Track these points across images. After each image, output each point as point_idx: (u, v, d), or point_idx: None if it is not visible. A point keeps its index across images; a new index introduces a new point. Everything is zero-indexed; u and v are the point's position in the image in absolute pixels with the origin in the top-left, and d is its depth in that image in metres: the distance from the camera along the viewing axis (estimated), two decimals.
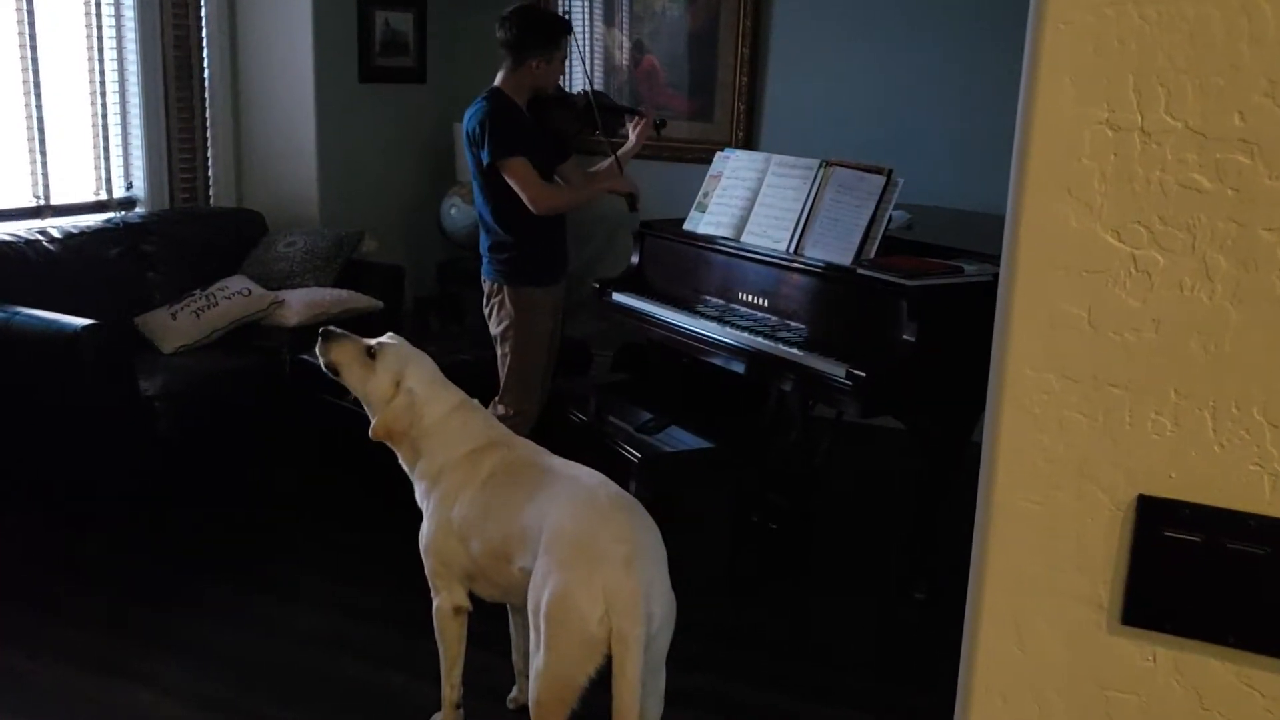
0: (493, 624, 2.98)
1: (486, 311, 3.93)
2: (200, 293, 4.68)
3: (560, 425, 4.01)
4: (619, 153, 4.02)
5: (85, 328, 3.84)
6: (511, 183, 3.72)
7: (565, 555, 2.39)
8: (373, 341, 2.84)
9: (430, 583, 2.81)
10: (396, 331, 5.06)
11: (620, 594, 2.32)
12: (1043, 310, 1.00)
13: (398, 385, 2.75)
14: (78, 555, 3.89)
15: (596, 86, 4.23)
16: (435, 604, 2.81)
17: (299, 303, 4.75)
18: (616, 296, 4.36)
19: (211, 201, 5.46)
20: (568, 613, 2.33)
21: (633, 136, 4.07)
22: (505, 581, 2.65)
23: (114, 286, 4.62)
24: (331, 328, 2.91)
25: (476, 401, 2.89)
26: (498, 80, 3.83)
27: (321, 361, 2.85)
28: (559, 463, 2.74)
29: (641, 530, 2.46)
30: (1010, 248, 1.02)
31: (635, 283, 4.43)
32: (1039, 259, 1.00)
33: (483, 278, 3.94)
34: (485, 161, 3.71)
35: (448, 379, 2.87)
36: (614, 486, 2.59)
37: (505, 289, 3.84)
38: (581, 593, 2.32)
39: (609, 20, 5.74)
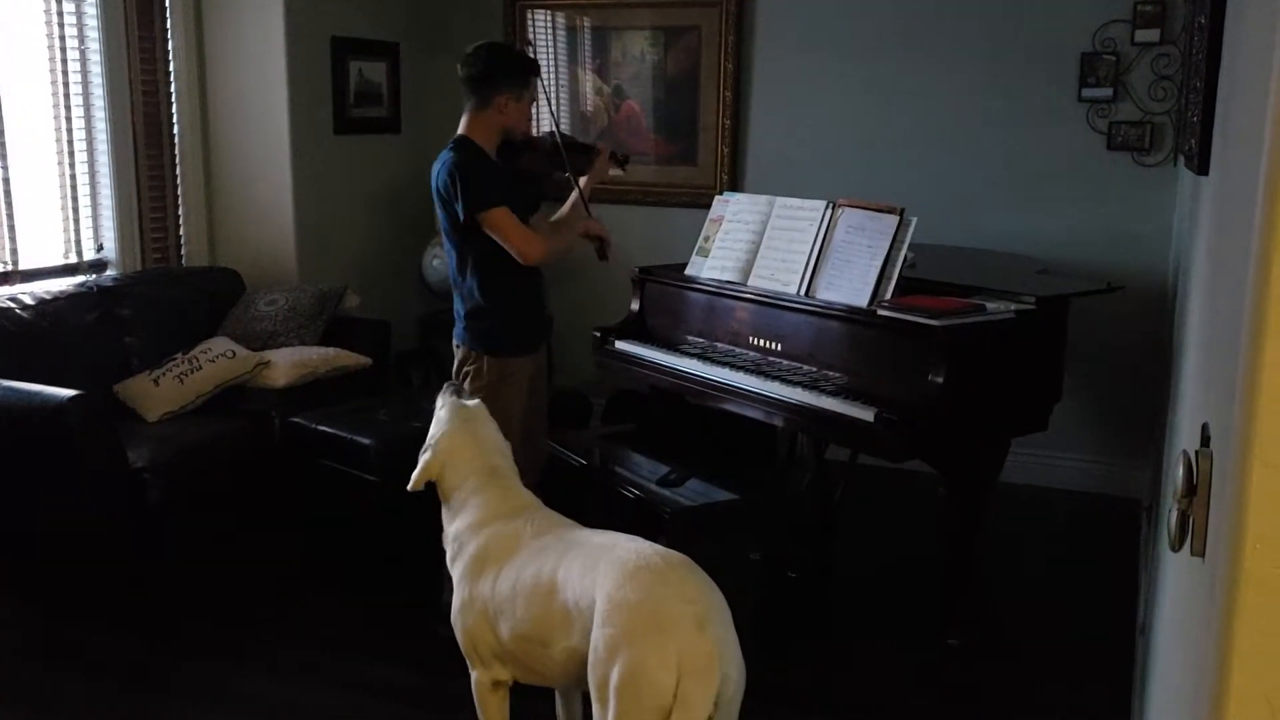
0: (534, 700, 2.83)
1: (459, 376, 3.64)
2: (182, 356, 4.49)
3: (572, 478, 3.86)
4: (582, 185, 3.81)
5: (71, 399, 3.65)
6: (495, 235, 3.45)
7: (632, 625, 2.23)
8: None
9: (465, 657, 2.67)
10: (380, 390, 4.96)
11: (694, 657, 2.19)
12: None
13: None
14: (75, 641, 3.66)
15: (569, 133, 4.08)
16: (474, 678, 2.66)
17: (286, 362, 4.57)
18: (620, 345, 4.25)
19: (184, 261, 5.29)
20: (642, 687, 2.18)
21: (595, 169, 3.85)
22: (541, 666, 2.52)
23: (91, 353, 4.41)
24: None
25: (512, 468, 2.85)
26: (462, 127, 3.57)
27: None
28: (585, 531, 2.61)
29: (708, 588, 2.33)
30: (1260, 291, 0.94)
31: (637, 330, 4.33)
32: None
33: (455, 341, 3.66)
34: (462, 216, 3.43)
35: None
36: (660, 547, 2.44)
37: (484, 358, 3.57)
38: (655, 664, 2.18)
39: (586, 66, 5.67)
